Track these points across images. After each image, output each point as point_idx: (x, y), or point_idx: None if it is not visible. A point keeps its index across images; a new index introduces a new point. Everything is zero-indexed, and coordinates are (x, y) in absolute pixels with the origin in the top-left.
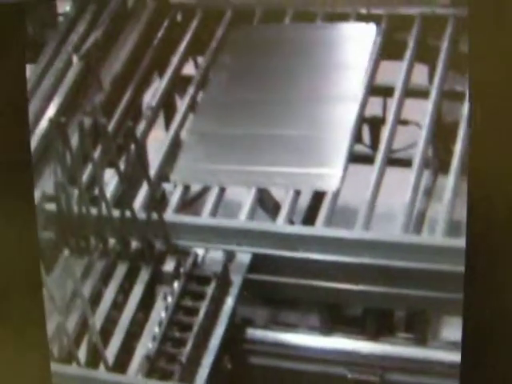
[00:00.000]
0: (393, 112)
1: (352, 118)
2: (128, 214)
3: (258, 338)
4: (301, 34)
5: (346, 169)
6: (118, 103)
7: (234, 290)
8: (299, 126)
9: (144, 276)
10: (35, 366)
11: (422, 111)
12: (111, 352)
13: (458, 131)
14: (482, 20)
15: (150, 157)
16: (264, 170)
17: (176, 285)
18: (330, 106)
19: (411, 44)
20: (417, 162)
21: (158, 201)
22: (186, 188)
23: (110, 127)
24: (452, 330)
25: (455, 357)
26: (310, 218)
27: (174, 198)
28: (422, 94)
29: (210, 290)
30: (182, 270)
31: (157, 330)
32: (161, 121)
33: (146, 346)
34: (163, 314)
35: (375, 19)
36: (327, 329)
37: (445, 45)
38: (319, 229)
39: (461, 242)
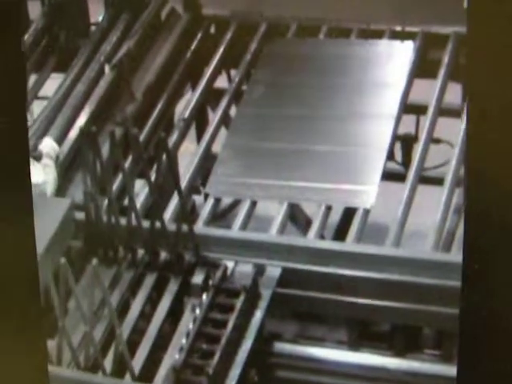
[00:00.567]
0: (425, 130)
1: (387, 135)
2: (158, 225)
3: (285, 351)
4: (336, 49)
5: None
6: (149, 114)
7: (262, 304)
8: (334, 142)
9: (172, 287)
10: (32, 368)
11: (454, 130)
12: (137, 362)
13: None
14: (480, 33)
15: (180, 169)
16: (297, 185)
17: (205, 297)
18: (365, 124)
19: (445, 62)
20: (448, 180)
21: (188, 213)
22: (217, 201)
23: (141, 138)
24: None
25: None
26: (340, 233)
27: (205, 211)
28: (455, 112)
29: (238, 303)
30: (211, 282)
31: (184, 341)
32: (192, 133)
33: (172, 357)
34: (191, 326)
35: (409, 37)
36: (355, 344)
37: None
38: (350, 245)
39: None
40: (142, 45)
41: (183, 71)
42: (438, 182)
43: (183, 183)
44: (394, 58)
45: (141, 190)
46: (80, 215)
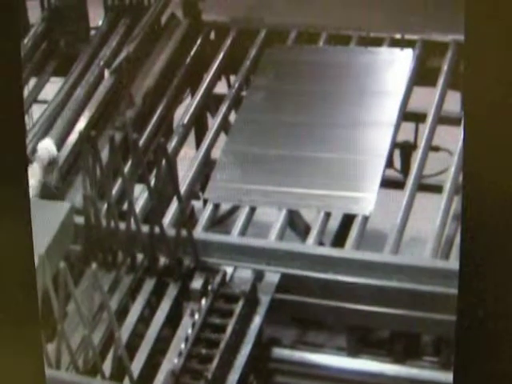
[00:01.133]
0: (424, 138)
1: (386, 143)
2: (157, 230)
3: (284, 357)
4: (336, 57)
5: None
6: (149, 119)
7: (261, 309)
8: (333, 149)
9: (172, 292)
10: (29, 370)
11: (453, 138)
12: (136, 366)
13: None
14: (478, 39)
15: (180, 174)
16: (296, 192)
17: (204, 302)
18: (365, 131)
19: (444, 70)
20: (447, 188)
21: (187, 218)
22: (216, 206)
23: (141, 142)
24: None
25: None
26: (339, 240)
27: (204, 216)
28: (454, 120)
29: (237, 308)
30: (210, 287)
31: (183, 346)
32: (192, 138)
33: (171, 361)
34: (190, 331)
35: (409, 45)
36: (354, 350)
37: None
38: (348, 251)
39: None
40: (142, 50)
41: (183, 76)
42: (437, 189)
43: (182, 188)
44: (395, 66)
45: (140, 195)
46: (79, 219)
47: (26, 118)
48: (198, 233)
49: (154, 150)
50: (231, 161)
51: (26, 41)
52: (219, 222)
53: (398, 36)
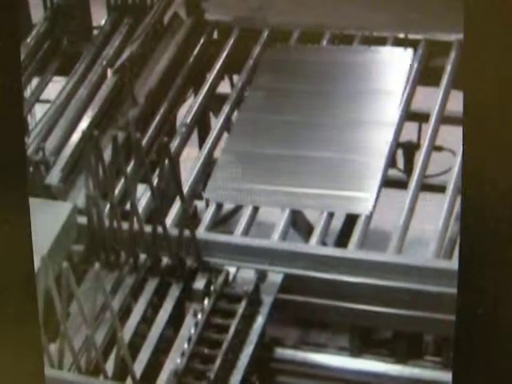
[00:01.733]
0: (428, 138)
1: (387, 143)
2: (160, 230)
3: (286, 357)
4: (338, 56)
5: (379, 193)
6: (151, 118)
7: (264, 310)
8: (333, 148)
9: (174, 292)
10: (29, 370)
11: (456, 138)
12: (139, 366)
13: None
14: (477, 36)
15: (182, 174)
16: (297, 191)
17: (206, 302)
18: (365, 131)
19: (448, 70)
20: (450, 188)
21: (190, 218)
22: (219, 206)
23: (144, 142)
24: None
25: None
26: (342, 240)
27: (207, 216)
28: (458, 120)
29: (240, 308)
30: (212, 287)
31: (186, 346)
32: (194, 138)
33: (174, 361)
34: (193, 331)
35: (413, 44)
36: (357, 350)
37: None
38: (351, 251)
39: None
40: (145, 49)
41: (186, 76)
42: (440, 189)
43: (185, 188)
44: (396, 66)
45: (143, 195)
46: (82, 219)
47: (29, 117)
48: (201, 233)
49: (157, 150)
50: (231, 160)
51: (28, 40)
52: (222, 222)
53: (401, 35)
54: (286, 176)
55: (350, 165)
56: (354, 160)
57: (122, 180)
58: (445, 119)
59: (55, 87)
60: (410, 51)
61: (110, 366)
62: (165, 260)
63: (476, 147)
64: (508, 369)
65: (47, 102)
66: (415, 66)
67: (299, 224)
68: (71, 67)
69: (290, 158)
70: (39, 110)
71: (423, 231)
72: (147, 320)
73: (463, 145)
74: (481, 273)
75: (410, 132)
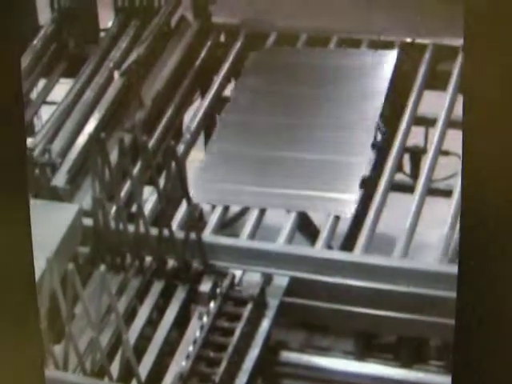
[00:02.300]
0: (434, 142)
1: (367, 145)
2: (166, 232)
3: (291, 360)
4: (335, 59)
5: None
6: (158, 121)
7: (270, 313)
8: (316, 150)
9: (180, 295)
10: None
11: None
12: (144, 369)
13: None
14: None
15: (189, 177)
16: (279, 192)
17: (212, 305)
18: (348, 133)
19: (455, 75)
20: (457, 192)
21: (196, 221)
22: (225, 209)
23: (150, 145)
24: None
25: None
26: (349, 243)
27: (213, 219)
28: None
29: (246, 311)
30: (218, 290)
31: (191, 349)
32: (201, 141)
33: (179, 364)
34: (198, 334)
35: (420, 49)
36: (361, 354)
37: None
38: (357, 255)
39: None
40: (152, 52)
41: (192, 79)
42: (447, 193)
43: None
44: (380, 68)
45: (149, 197)
46: (88, 221)
47: (35, 119)
48: (207, 236)
49: (163, 153)
50: (215, 161)
51: (35, 42)
52: (228, 224)
53: (408, 40)
54: (269, 177)
55: (332, 166)
56: (335, 162)
57: (128, 182)
58: (452, 124)
59: (62, 89)
60: (393, 53)
61: (115, 368)
62: (170, 263)
63: (475, 147)
64: (508, 370)
65: (54, 103)
66: (422, 70)
67: (305, 227)
68: (78, 69)
69: (273, 159)
70: (46, 112)
71: (429, 235)
72: (152, 322)
73: (463, 145)
74: (481, 273)
75: (416, 136)
